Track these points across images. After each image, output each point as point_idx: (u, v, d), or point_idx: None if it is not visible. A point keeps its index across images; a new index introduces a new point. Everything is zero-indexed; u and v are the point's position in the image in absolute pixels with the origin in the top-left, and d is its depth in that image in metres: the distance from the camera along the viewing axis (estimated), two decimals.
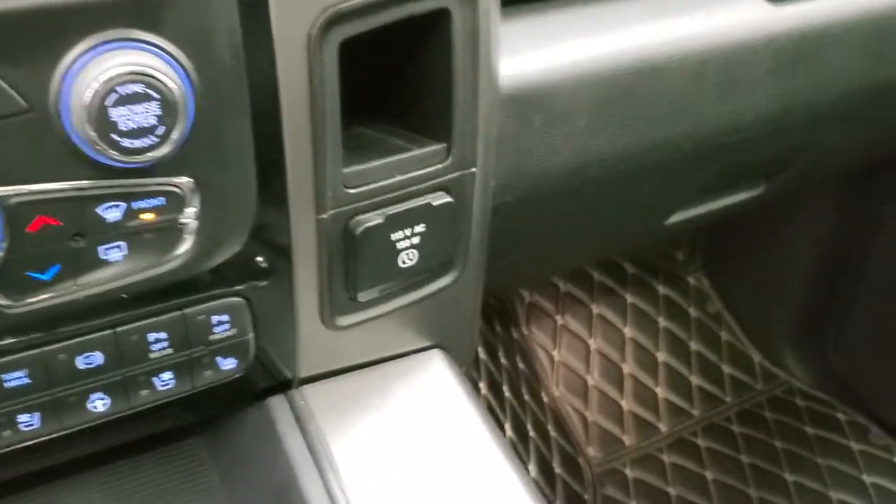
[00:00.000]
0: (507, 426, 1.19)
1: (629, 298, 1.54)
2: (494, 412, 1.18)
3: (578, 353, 1.46)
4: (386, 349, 0.53)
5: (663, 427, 1.41)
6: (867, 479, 1.34)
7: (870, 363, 1.40)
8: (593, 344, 1.48)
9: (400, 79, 0.49)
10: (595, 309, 1.52)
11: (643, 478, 1.33)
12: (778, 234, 1.47)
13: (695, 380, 1.48)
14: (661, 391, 1.46)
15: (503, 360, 1.30)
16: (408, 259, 0.48)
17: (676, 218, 0.81)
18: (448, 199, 0.48)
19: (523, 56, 0.53)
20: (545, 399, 1.38)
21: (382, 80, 0.50)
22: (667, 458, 1.37)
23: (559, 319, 1.49)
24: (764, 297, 1.53)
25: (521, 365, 1.37)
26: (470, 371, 0.63)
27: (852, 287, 1.40)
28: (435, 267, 0.51)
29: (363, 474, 0.46)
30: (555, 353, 1.45)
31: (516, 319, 1.45)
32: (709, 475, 1.34)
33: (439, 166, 0.47)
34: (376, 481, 0.45)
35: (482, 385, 1.19)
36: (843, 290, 1.41)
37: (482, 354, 1.24)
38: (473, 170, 0.49)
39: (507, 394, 1.25)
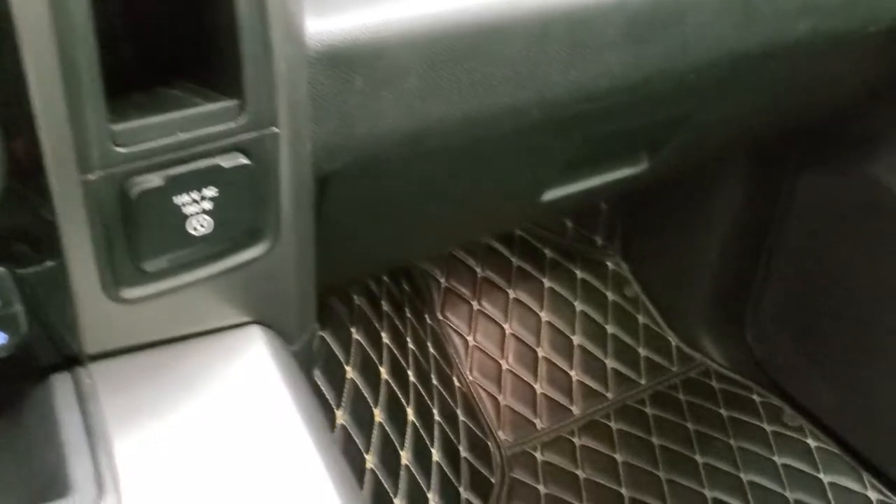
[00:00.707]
0: (410, 410, 1.17)
1: (547, 283, 1.53)
2: (396, 396, 1.16)
3: (494, 338, 1.44)
4: (195, 324, 0.50)
5: (576, 410, 1.40)
6: (778, 459, 1.34)
7: (783, 343, 1.40)
8: (509, 328, 1.46)
9: (194, 30, 0.45)
10: (512, 293, 1.50)
11: (553, 460, 1.32)
12: (695, 216, 1.47)
13: (610, 363, 1.47)
14: (575, 374, 1.45)
15: (411, 345, 1.28)
16: (199, 226, 0.45)
17: (552, 195, 0.79)
18: (243, 160, 0.45)
19: (340, 14, 0.50)
20: (457, 383, 1.35)
21: (183, 31, 0.46)
22: (578, 440, 1.35)
23: (475, 304, 1.47)
24: (682, 279, 1.53)
25: (432, 350, 1.34)
26: (313, 350, 0.60)
27: (767, 268, 1.40)
28: (239, 236, 0.48)
29: (140, 457, 0.42)
30: (469, 337, 1.43)
31: (431, 304, 1.43)
32: (619, 457, 1.33)
33: (231, 125, 0.44)
34: (154, 464, 0.42)
35: (383, 370, 1.17)
36: (759, 271, 1.41)
37: (386, 339, 1.21)
38: (275, 130, 0.46)
39: (412, 378, 1.22)
